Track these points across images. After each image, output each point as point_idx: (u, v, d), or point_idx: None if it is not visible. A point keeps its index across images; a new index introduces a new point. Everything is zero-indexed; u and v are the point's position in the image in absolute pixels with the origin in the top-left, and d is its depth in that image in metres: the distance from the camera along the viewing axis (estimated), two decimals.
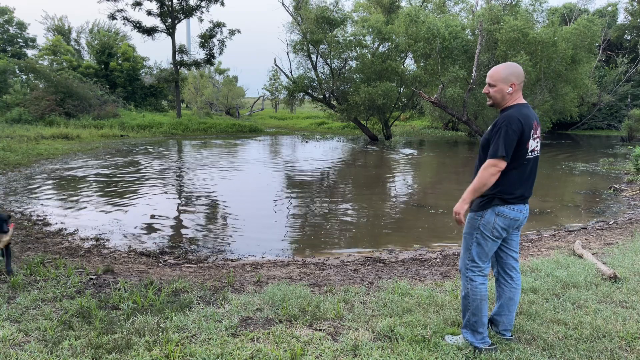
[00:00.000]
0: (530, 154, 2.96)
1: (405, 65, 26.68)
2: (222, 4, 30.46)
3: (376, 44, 26.55)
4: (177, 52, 30.26)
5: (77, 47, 45.70)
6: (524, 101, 3.01)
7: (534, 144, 2.97)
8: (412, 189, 12.32)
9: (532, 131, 2.92)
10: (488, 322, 3.22)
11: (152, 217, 8.23)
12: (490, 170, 2.86)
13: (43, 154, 15.34)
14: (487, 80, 3.05)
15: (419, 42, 22.64)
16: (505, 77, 2.96)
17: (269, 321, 3.60)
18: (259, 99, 47.92)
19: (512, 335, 3.25)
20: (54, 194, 9.97)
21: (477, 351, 3.03)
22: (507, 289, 3.17)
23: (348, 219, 8.53)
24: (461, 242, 3.12)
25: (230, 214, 8.74)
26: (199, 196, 10.30)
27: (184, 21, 31.64)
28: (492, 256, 3.14)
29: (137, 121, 26.48)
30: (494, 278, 3.29)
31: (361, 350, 3.09)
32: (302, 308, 3.81)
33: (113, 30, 43.52)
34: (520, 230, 3.23)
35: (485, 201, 2.98)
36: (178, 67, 30.51)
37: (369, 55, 25.64)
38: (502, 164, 2.85)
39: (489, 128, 3.01)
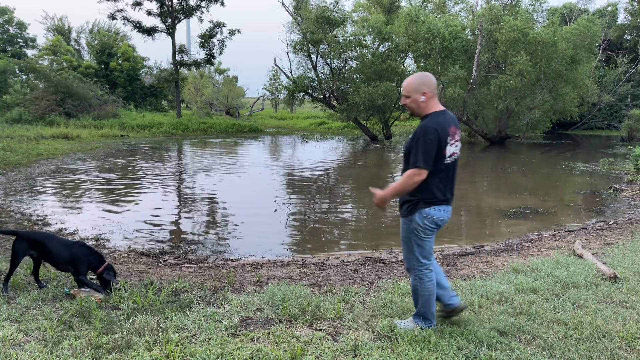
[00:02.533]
0: (448, 159, 3.11)
1: (405, 65, 26.69)
2: (222, 4, 30.46)
3: (376, 44, 26.56)
4: (177, 52, 30.26)
5: (77, 47, 45.70)
6: (441, 108, 3.17)
7: (453, 149, 3.13)
8: None
9: (449, 138, 3.08)
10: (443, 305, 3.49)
11: (152, 217, 8.23)
12: (414, 179, 3.04)
13: (43, 154, 15.34)
14: (402, 92, 3.20)
15: (419, 42, 22.64)
16: (417, 87, 3.11)
17: (269, 321, 3.60)
18: (259, 99, 47.92)
19: (457, 299, 3.46)
20: (54, 194, 9.97)
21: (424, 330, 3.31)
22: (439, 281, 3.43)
23: (348, 219, 8.53)
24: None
25: (230, 214, 8.74)
26: (199, 196, 10.30)
27: (184, 21, 31.66)
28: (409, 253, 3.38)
29: (137, 121, 26.48)
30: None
31: (361, 350, 3.08)
32: (302, 308, 3.80)
33: (113, 30, 43.52)
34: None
35: (412, 206, 3.18)
36: (178, 67, 30.51)
37: (369, 55, 25.65)
38: (424, 174, 3.03)
39: (410, 136, 3.17)
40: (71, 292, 4.04)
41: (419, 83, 3.12)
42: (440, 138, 3.02)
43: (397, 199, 3.30)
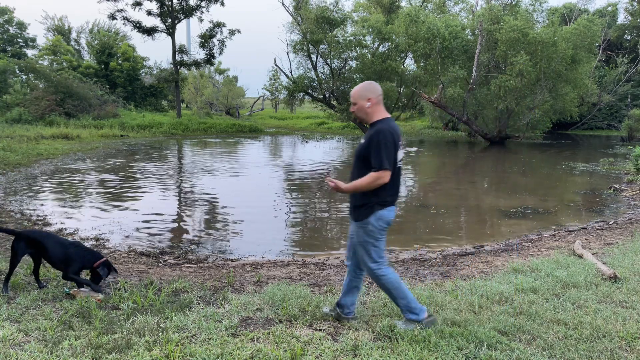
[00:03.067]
0: (399, 162, 3.29)
1: (405, 65, 26.71)
2: (222, 4, 30.44)
3: (376, 44, 26.57)
4: (177, 52, 30.25)
5: (77, 47, 45.69)
6: (388, 115, 3.31)
7: (401, 154, 3.31)
8: (412, 189, 12.32)
9: (399, 142, 3.25)
10: (336, 305, 3.61)
11: (152, 217, 8.23)
12: (378, 182, 3.13)
13: (43, 154, 15.34)
14: (350, 100, 3.35)
15: (419, 42, 22.64)
16: (362, 94, 3.26)
17: (269, 321, 3.60)
18: (259, 99, 47.91)
19: (354, 315, 3.58)
20: (54, 194, 9.97)
21: (420, 322, 3.37)
22: (357, 278, 3.55)
23: (348, 219, 8.52)
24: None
25: (230, 214, 8.74)
26: (198, 196, 10.30)
27: (184, 21, 31.63)
28: (350, 252, 3.52)
29: (137, 121, 26.47)
30: (348, 269, 3.59)
31: (361, 350, 3.09)
32: (302, 308, 3.80)
33: (113, 30, 43.51)
34: None
35: (367, 210, 3.26)
36: (178, 67, 30.50)
37: (369, 55, 25.66)
38: (388, 174, 3.13)
39: (363, 140, 3.27)
40: (71, 292, 4.04)
41: (364, 90, 3.27)
42: (395, 141, 3.18)
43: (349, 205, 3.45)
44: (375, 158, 3.12)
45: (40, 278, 4.31)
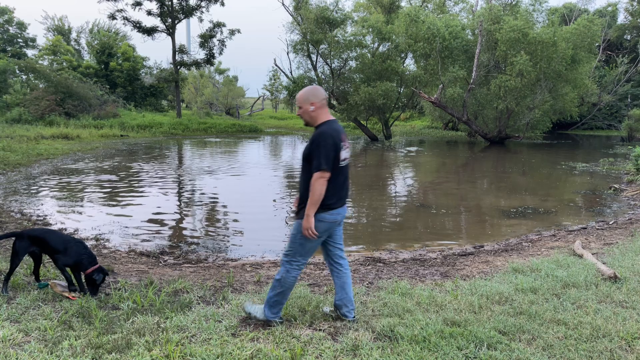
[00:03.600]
0: (342, 162, 3.36)
1: (405, 65, 26.70)
2: (222, 4, 30.46)
3: (376, 44, 26.55)
4: (177, 52, 30.26)
5: (77, 47, 45.72)
6: (331, 117, 3.42)
7: (345, 154, 3.38)
8: (412, 189, 12.32)
9: (342, 143, 3.33)
10: (334, 307, 3.64)
11: (152, 217, 8.23)
12: (320, 182, 3.22)
13: (43, 154, 15.34)
14: (296, 104, 3.45)
15: (419, 42, 22.64)
16: (306, 98, 3.36)
17: (269, 321, 3.60)
18: (259, 99, 47.92)
19: (354, 317, 3.60)
20: (54, 193, 9.97)
21: (268, 321, 3.47)
22: (339, 275, 3.59)
23: (348, 219, 8.53)
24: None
25: (230, 214, 8.74)
26: (199, 196, 10.30)
27: (184, 21, 31.66)
28: (323, 251, 3.63)
29: (137, 121, 26.47)
30: (329, 269, 3.67)
31: (361, 350, 3.09)
32: (302, 308, 3.81)
33: (113, 30, 43.55)
34: (340, 226, 3.60)
35: (326, 208, 3.31)
36: (178, 67, 30.50)
37: (369, 55, 25.64)
38: (327, 174, 3.23)
39: (307, 143, 3.35)
40: (49, 282, 4.09)
41: (307, 95, 3.36)
42: (336, 143, 3.26)
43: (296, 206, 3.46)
44: (316, 159, 3.22)
45: (40, 278, 4.31)
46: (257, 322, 3.49)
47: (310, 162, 3.28)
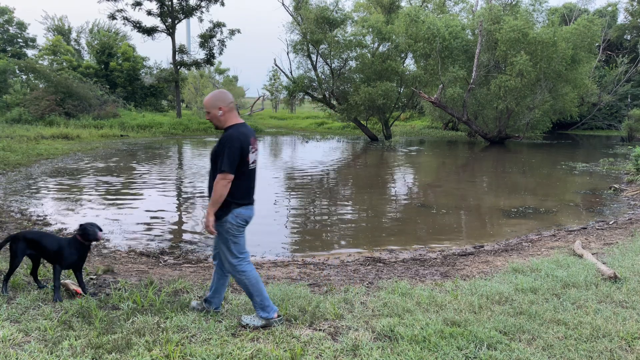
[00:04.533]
0: (251, 165, 3.49)
1: (405, 65, 26.68)
2: (222, 4, 30.46)
3: (376, 44, 26.55)
4: (177, 52, 30.26)
5: (77, 47, 45.71)
6: (240, 120, 3.52)
7: (253, 157, 3.50)
8: (412, 189, 12.32)
9: (250, 146, 3.43)
10: (203, 300, 3.75)
11: (152, 217, 8.23)
12: (222, 183, 3.32)
13: (43, 154, 15.34)
14: (204, 109, 3.54)
15: (419, 42, 22.64)
16: (213, 103, 3.43)
17: (270, 320, 3.60)
18: (259, 99, 47.88)
19: (219, 309, 3.76)
20: (54, 194, 9.97)
21: (269, 322, 3.47)
22: (222, 277, 3.69)
23: (348, 219, 8.53)
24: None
25: None
26: (199, 196, 10.30)
27: (184, 21, 31.64)
28: (215, 251, 3.68)
29: (137, 121, 26.47)
30: (214, 268, 3.73)
31: (361, 350, 3.09)
32: (302, 308, 3.80)
33: (113, 30, 43.54)
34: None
35: (225, 209, 3.41)
36: (178, 67, 30.50)
37: (369, 55, 25.64)
38: (230, 177, 3.33)
39: (216, 144, 3.43)
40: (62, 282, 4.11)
41: (215, 100, 3.43)
42: (243, 146, 3.36)
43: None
44: (220, 161, 3.33)
45: (39, 278, 4.31)
46: (261, 328, 3.44)
47: (217, 163, 3.38)
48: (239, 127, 3.44)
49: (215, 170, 3.41)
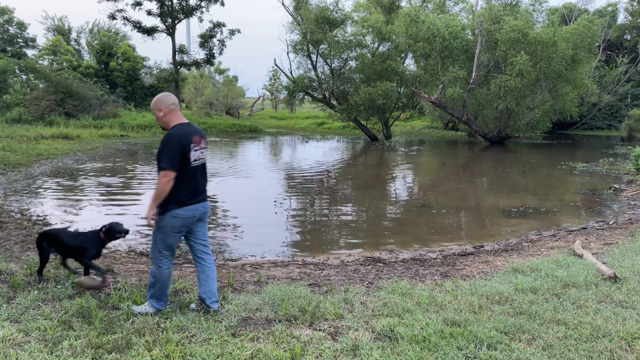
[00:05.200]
0: (194, 163, 3.57)
1: (405, 65, 26.68)
2: (222, 4, 30.43)
3: (376, 44, 26.54)
4: (177, 52, 30.24)
5: (77, 47, 45.70)
6: (184, 121, 3.65)
7: (197, 155, 3.59)
8: (412, 189, 12.32)
9: (193, 145, 3.53)
10: (199, 300, 3.83)
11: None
12: (163, 180, 3.43)
13: (43, 154, 15.34)
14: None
15: (419, 42, 22.64)
16: (155, 106, 3.61)
17: (269, 321, 3.60)
18: (259, 99, 47.91)
19: (218, 307, 3.79)
20: (54, 193, 9.97)
21: (159, 312, 3.69)
22: (202, 269, 3.79)
23: (348, 219, 8.53)
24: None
25: (230, 214, 8.74)
26: None
27: (184, 21, 31.61)
28: (188, 247, 3.86)
29: (137, 121, 26.45)
30: (194, 263, 3.87)
31: (361, 350, 3.09)
32: (302, 308, 3.80)
33: (113, 30, 43.53)
34: (207, 222, 3.85)
35: (164, 207, 3.53)
36: (178, 67, 30.48)
37: (369, 55, 25.63)
38: (171, 174, 3.44)
39: (159, 145, 3.57)
40: (75, 280, 4.23)
41: (156, 103, 3.61)
42: (183, 144, 3.47)
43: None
44: (160, 160, 3.47)
45: (30, 273, 4.38)
46: (151, 314, 3.63)
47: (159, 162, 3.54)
48: (181, 127, 3.57)
49: (158, 169, 3.56)
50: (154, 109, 3.63)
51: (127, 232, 4.35)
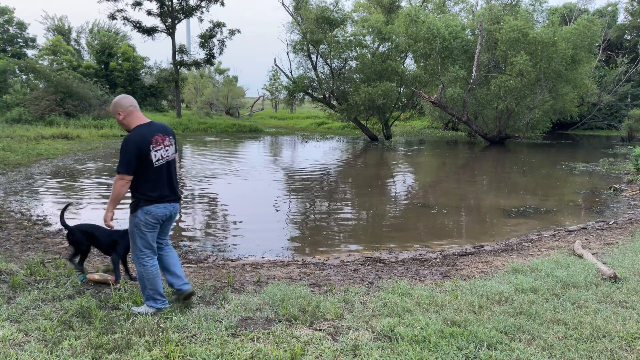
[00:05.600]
0: (157, 163, 3.61)
1: (405, 65, 26.68)
2: (222, 4, 30.46)
3: (376, 44, 26.54)
4: (177, 52, 30.26)
5: (77, 47, 45.72)
6: (144, 121, 3.69)
7: (160, 154, 3.63)
8: (412, 189, 12.33)
9: (153, 145, 3.58)
10: (169, 286, 3.91)
11: None
12: (119, 183, 3.52)
13: (43, 154, 15.34)
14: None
15: (419, 42, 22.64)
16: (114, 109, 3.68)
17: (269, 321, 3.60)
18: (259, 99, 47.92)
19: (189, 286, 3.88)
20: (54, 194, 9.97)
21: (160, 311, 3.72)
22: (163, 258, 3.89)
23: (348, 219, 8.53)
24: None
25: (230, 214, 8.74)
26: (198, 196, 10.30)
27: (184, 21, 31.65)
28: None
29: None
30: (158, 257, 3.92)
31: (361, 350, 3.09)
32: (302, 308, 3.80)
33: (113, 30, 43.56)
34: (172, 222, 3.94)
35: (135, 204, 3.64)
36: (178, 67, 30.51)
37: (369, 55, 25.63)
38: (127, 177, 3.52)
39: None
40: (87, 276, 4.42)
41: (114, 105, 3.67)
42: (141, 147, 3.52)
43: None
44: (118, 163, 3.53)
45: (41, 278, 4.32)
46: (151, 315, 3.66)
47: None
48: (139, 129, 3.61)
49: None
50: (114, 113, 3.68)
51: None
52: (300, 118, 40.84)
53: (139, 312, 3.68)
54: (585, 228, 7.46)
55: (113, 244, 4.47)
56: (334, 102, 26.25)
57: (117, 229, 4.51)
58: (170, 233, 7.23)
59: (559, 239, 6.77)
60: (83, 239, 4.55)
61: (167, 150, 3.69)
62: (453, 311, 3.76)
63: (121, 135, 23.12)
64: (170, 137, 3.76)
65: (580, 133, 31.88)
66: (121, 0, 44.43)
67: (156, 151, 3.59)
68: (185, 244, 6.68)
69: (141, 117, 3.70)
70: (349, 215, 8.79)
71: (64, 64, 34.23)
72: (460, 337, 3.25)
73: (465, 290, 4.30)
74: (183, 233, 7.36)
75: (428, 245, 6.72)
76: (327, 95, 26.32)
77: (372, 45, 26.52)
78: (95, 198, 9.70)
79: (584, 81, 24.23)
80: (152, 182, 3.60)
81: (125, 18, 28.90)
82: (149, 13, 29.21)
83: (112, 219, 3.64)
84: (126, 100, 3.68)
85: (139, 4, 28.73)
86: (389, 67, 23.77)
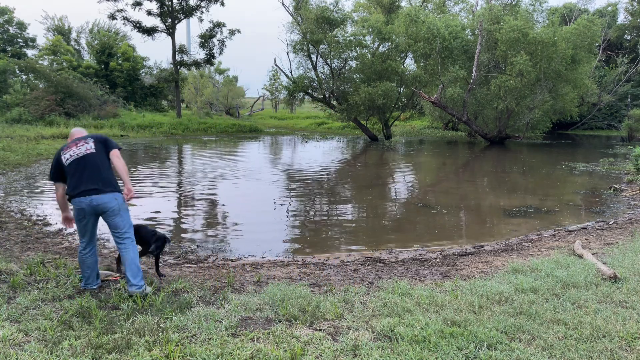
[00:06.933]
0: (66, 162, 4.15)
1: (405, 65, 26.68)
2: (222, 4, 30.47)
3: (376, 44, 26.55)
4: (177, 52, 30.27)
5: (77, 47, 45.71)
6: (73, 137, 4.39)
7: (67, 155, 4.16)
8: (412, 189, 12.32)
9: (62, 152, 4.19)
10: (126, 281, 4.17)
11: (152, 217, 8.23)
12: (54, 188, 4.32)
13: (43, 154, 15.34)
14: None
15: (419, 42, 22.64)
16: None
17: (269, 321, 3.60)
18: (259, 99, 47.93)
19: (133, 288, 4.05)
20: (53, 194, 9.96)
21: (85, 291, 4.18)
22: (120, 253, 4.24)
23: (348, 219, 8.53)
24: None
25: (230, 214, 8.74)
26: (198, 196, 10.30)
27: (184, 21, 31.66)
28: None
29: (137, 121, 26.47)
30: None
31: (361, 350, 3.09)
32: (302, 308, 3.80)
33: (113, 30, 43.54)
34: (115, 216, 4.22)
35: (68, 199, 4.20)
36: (178, 67, 30.52)
37: (369, 55, 25.63)
38: (56, 185, 4.26)
39: None
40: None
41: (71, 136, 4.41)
42: (57, 159, 4.22)
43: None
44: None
45: (41, 278, 4.32)
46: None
47: None
48: (60, 149, 4.29)
49: None
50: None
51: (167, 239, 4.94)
52: (300, 118, 40.85)
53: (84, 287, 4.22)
54: (585, 228, 7.46)
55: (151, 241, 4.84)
56: (334, 102, 26.26)
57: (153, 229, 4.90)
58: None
59: (559, 239, 6.77)
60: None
61: (77, 148, 4.17)
62: (453, 311, 3.76)
63: (121, 135, 23.13)
64: (85, 139, 4.24)
65: (580, 133, 31.88)
66: (121, 0, 44.46)
67: (64, 154, 4.17)
68: (185, 244, 6.68)
69: (72, 137, 4.40)
70: (349, 215, 8.79)
71: (64, 64, 34.23)
72: (460, 337, 3.25)
73: (465, 290, 4.30)
74: (183, 233, 7.36)
75: (428, 245, 6.72)
76: (327, 95, 26.32)
77: (372, 45, 26.53)
78: None
79: (584, 81, 24.22)
80: (70, 180, 4.13)
81: (125, 18, 28.91)
82: (149, 13, 29.22)
83: (68, 220, 4.36)
84: (72, 134, 4.44)
85: (139, 4, 28.74)
86: (389, 67, 23.78)
